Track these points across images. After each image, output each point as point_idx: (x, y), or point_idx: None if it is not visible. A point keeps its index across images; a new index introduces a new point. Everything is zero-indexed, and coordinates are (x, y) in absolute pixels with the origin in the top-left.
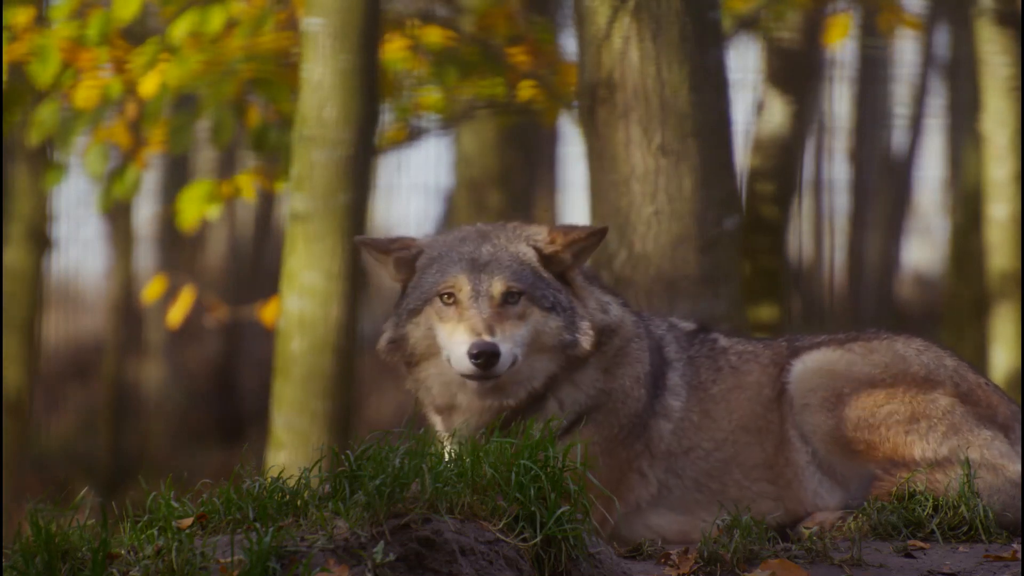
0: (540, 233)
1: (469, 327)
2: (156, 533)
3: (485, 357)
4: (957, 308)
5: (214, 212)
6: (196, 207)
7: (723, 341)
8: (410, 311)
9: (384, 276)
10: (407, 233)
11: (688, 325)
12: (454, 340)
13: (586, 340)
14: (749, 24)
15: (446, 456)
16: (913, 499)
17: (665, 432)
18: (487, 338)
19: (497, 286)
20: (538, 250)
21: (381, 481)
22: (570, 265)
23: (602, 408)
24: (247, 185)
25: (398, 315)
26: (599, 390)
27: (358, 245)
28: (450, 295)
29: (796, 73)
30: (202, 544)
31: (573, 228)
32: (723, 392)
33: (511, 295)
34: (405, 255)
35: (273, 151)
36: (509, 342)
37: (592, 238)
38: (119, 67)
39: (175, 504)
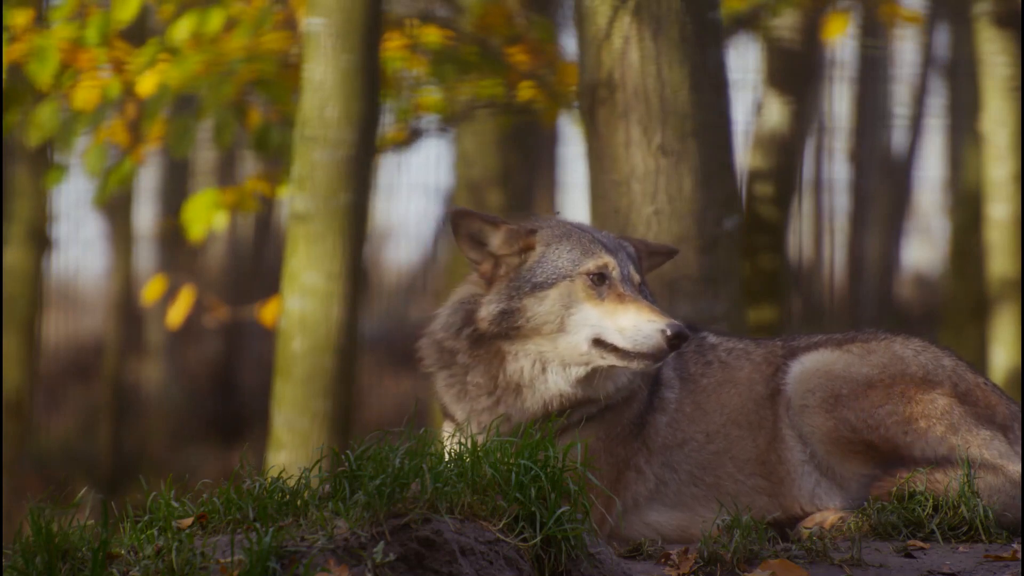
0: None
1: (645, 309)
2: (156, 533)
3: (681, 338)
4: (957, 308)
5: (220, 221)
6: (203, 217)
7: (712, 338)
8: (535, 284)
9: (467, 253)
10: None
11: None
12: (628, 320)
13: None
14: (749, 24)
15: (447, 449)
16: (913, 499)
17: (661, 425)
18: (676, 319)
19: (636, 276)
20: (636, 247)
21: (381, 481)
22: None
23: (614, 407)
24: (251, 196)
25: (513, 289)
26: (625, 388)
27: (457, 216)
28: (601, 276)
29: (796, 73)
30: (202, 544)
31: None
32: (714, 385)
33: (642, 284)
34: (517, 229)
35: (275, 152)
36: None
37: (671, 254)
38: (118, 67)
39: (175, 504)
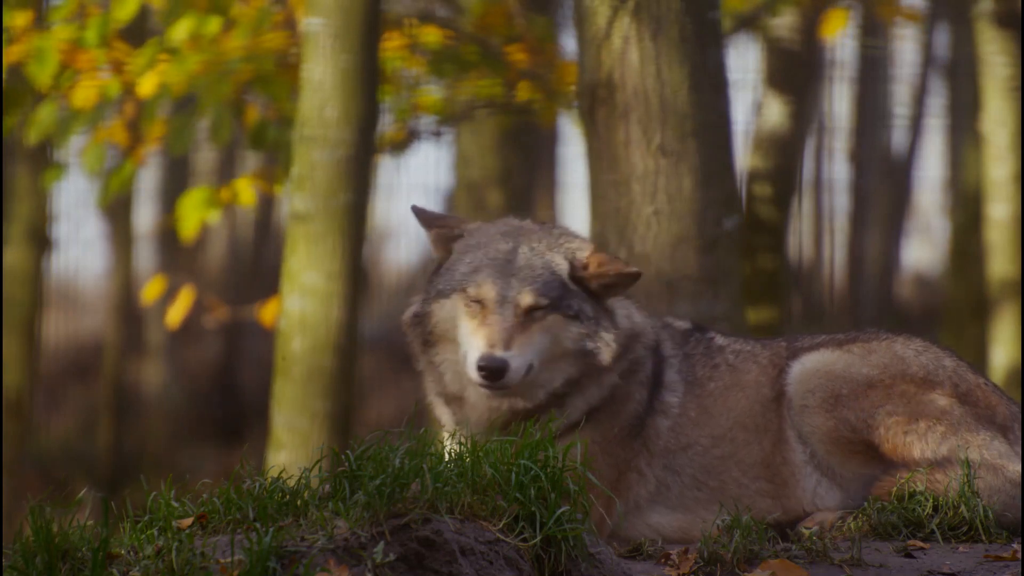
0: (583, 250)
1: (486, 336)
2: (156, 533)
3: (489, 371)
4: (957, 308)
5: (214, 217)
6: (196, 214)
7: (720, 340)
8: (439, 292)
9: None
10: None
11: (683, 324)
12: (471, 343)
13: (607, 352)
14: (749, 24)
15: (447, 450)
16: (913, 499)
17: (663, 429)
18: (499, 353)
19: (525, 298)
20: (572, 265)
21: (381, 481)
22: (596, 292)
23: (605, 408)
24: (246, 190)
25: (427, 292)
26: (610, 391)
27: (412, 210)
28: (477, 296)
29: (796, 73)
30: (202, 544)
31: (610, 261)
32: (721, 389)
33: (537, 307)
34: (446, 233)
35: (272, 148)
36: (525, 355)
37: (622, 278)
38: (118, 68)
39: (175, 504)
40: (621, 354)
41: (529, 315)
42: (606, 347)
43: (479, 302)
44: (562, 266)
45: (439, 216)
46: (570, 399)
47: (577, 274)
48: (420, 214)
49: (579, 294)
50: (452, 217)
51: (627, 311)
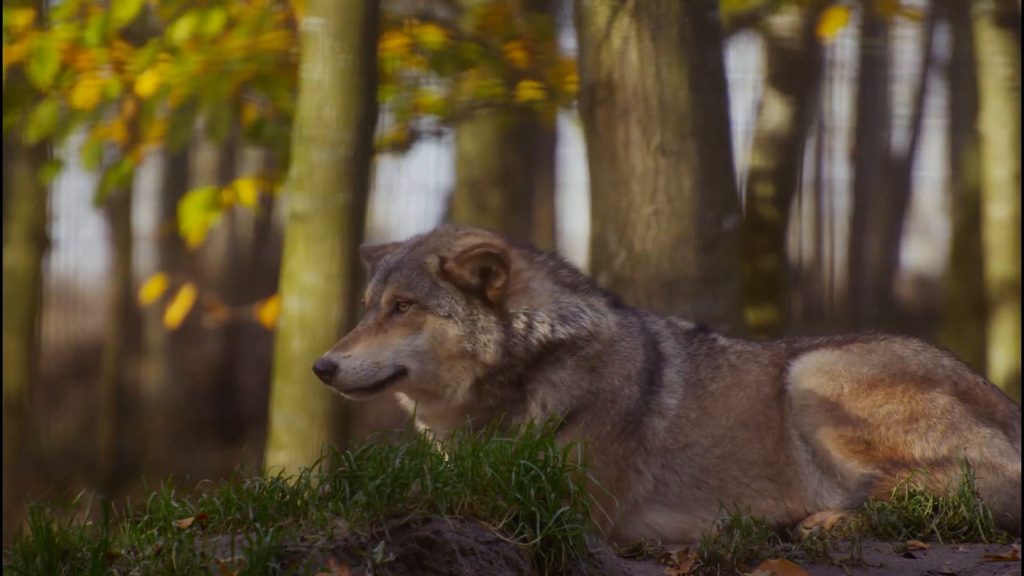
0: (460, 246)
1: (340, 340)
2: (156, 533)
3: (319, 373)
4: (957, 308)
5: (215, 219)
6: (199, 218)
7: (722, 341)
8: None
9: None
10: (400, 238)
11: (687, 324)
12: None
13: (486, 352)
14: (749, 24)
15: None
16: (913, 499)
17: (660, 428)
18: (334, 355)
19: (386, 295)
20: (442, 260)
21: (381, 481)
22: (477, 284)
23: (591, 407)
24: (248, 191)
25: None
26: (585, 390)
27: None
28: (364, 303)
29: (796, 73)
30: (202, 544)
31: (479, 242)
32: (722, 389)
33: (399, 304)
34: (369, 254)
35: (269, 144)
36: (372, 355)
37: (487, 253)
38: (118, 68)
39: (175, 504)
40: (506, 355)
41: (393, 314)
42: (483, 348)
43: (365, 307)
44: (432, 263)
45: (378, 247)
46: (531, 399)
47: (444, 267)
48: (362, 251)
49: (451, 292)
50: (390, 244)
51: (570, 312)
